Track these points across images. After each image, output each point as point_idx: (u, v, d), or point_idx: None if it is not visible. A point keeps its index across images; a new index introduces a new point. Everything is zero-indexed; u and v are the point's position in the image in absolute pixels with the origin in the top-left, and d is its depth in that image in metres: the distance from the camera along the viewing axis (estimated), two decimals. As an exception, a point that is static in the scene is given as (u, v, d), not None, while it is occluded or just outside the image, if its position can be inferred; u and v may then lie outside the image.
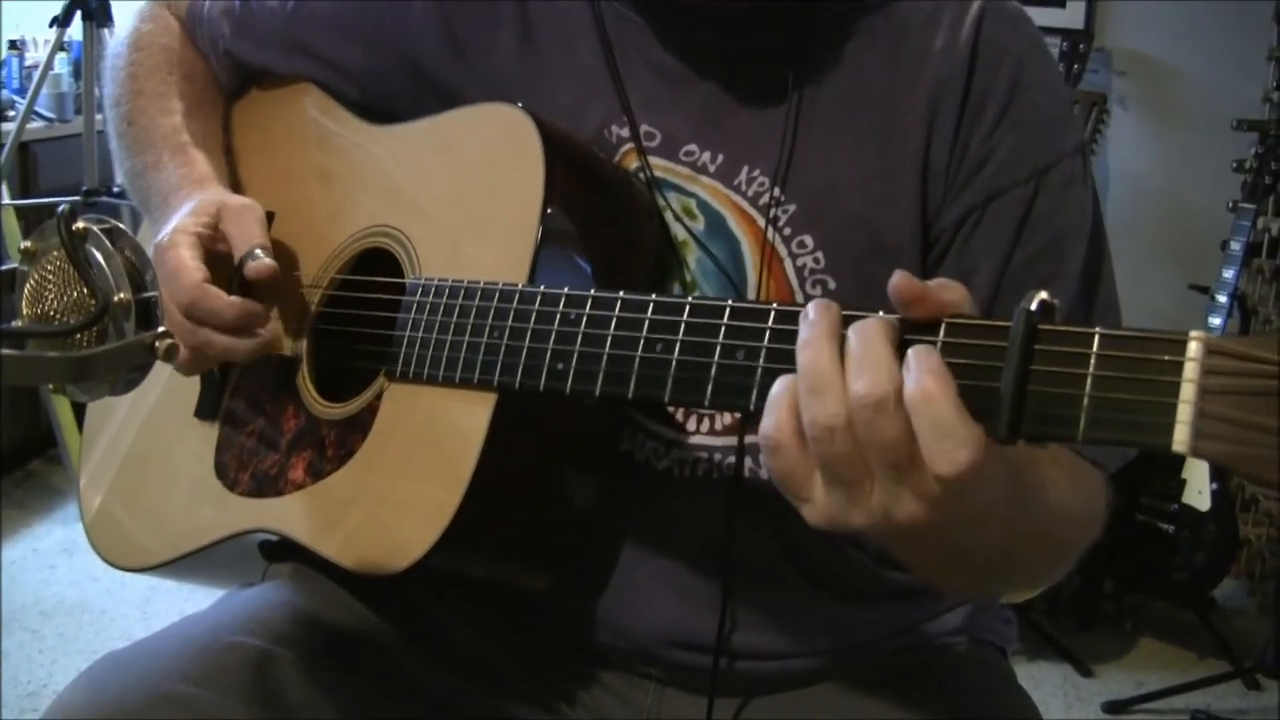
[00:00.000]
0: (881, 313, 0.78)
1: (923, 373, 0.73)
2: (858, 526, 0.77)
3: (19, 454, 3.88)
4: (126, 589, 3.18)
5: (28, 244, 0.79)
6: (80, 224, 0.75)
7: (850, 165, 1.12)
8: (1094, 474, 1.07)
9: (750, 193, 1.13)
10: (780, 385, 0.78)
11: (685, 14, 1.14)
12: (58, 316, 0.77)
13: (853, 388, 0.74)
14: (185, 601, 3.06)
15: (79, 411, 3.52)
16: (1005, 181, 1.10)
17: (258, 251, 1.15)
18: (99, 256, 0.76)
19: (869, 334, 0.75)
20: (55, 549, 3.42)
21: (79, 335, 0.75)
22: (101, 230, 0.76)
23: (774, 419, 0.78)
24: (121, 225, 0.77)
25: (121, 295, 0.75)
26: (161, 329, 0.74)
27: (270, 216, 1.26)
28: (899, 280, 0.77)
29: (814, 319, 0.78)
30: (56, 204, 2.87)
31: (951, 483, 0.73)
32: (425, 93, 1.22)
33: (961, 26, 1.12)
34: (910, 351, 0.74)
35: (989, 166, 1.10)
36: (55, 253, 0.77)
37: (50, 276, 0.78)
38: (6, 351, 0.67)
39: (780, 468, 0.78)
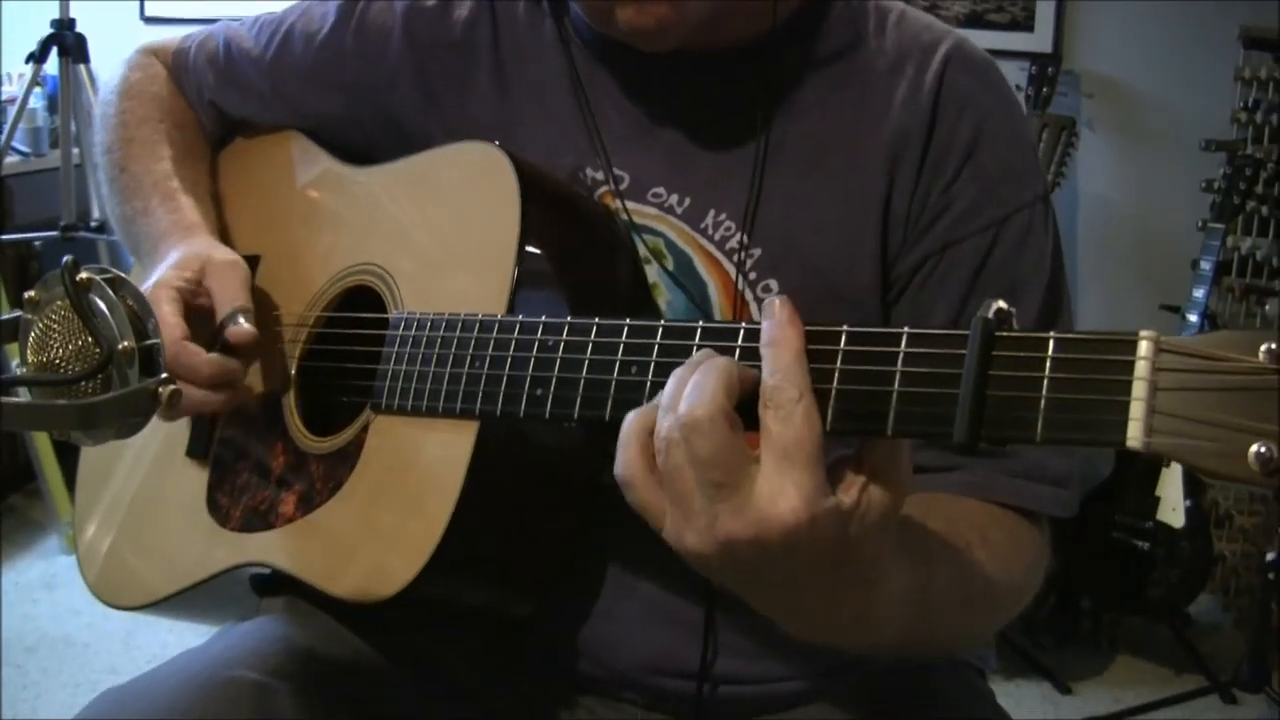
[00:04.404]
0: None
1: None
2: (692, 549, 0.79)
3: (-2, 489, 3.88)
4: (109, 623, 3.16)
5: (31, 293, 0.81)
6: (84, 274, 0.77)
7: (810, 212, 1.13)
8: (1023, 551, 1.07)
9: (716, 237, 1.14)
10: (627, 425, 0.81)
11: (645, 62, 1.15)
12: (63, 365, 0.79)
13: (679, 411, 0.77)
14: (168, 634, 3.07)
15: (59, 447, 3.52)
16: (962, 231, 1.11)
17: (240, 318, 1.18)
18: (102, 306, 0.77)
19: (705, 368, 0.78)
20: (37, 583, 3.41)
21: (84, 383, 0.77)
22: (104, 280, 0.78)
23: (623, 457, 0.81)
24: (124, 275, 0.79)
25: (125, 343, 0.76)
26: (164, 375, 0.76)
27: (256, 259, 1.29)
28: (780, 306, 0.80)
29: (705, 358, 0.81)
30: (34, 239, 2.85)
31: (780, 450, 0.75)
32: (398, 140, 1.25)
33: (925, 75, 1.13)
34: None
35: (946, 217, 1.12)
36: (59, 302, 0.79)
37: (55, 325, 0.79)
38: (15, 400, 0.69)
39: (636, 500, 0.81)
